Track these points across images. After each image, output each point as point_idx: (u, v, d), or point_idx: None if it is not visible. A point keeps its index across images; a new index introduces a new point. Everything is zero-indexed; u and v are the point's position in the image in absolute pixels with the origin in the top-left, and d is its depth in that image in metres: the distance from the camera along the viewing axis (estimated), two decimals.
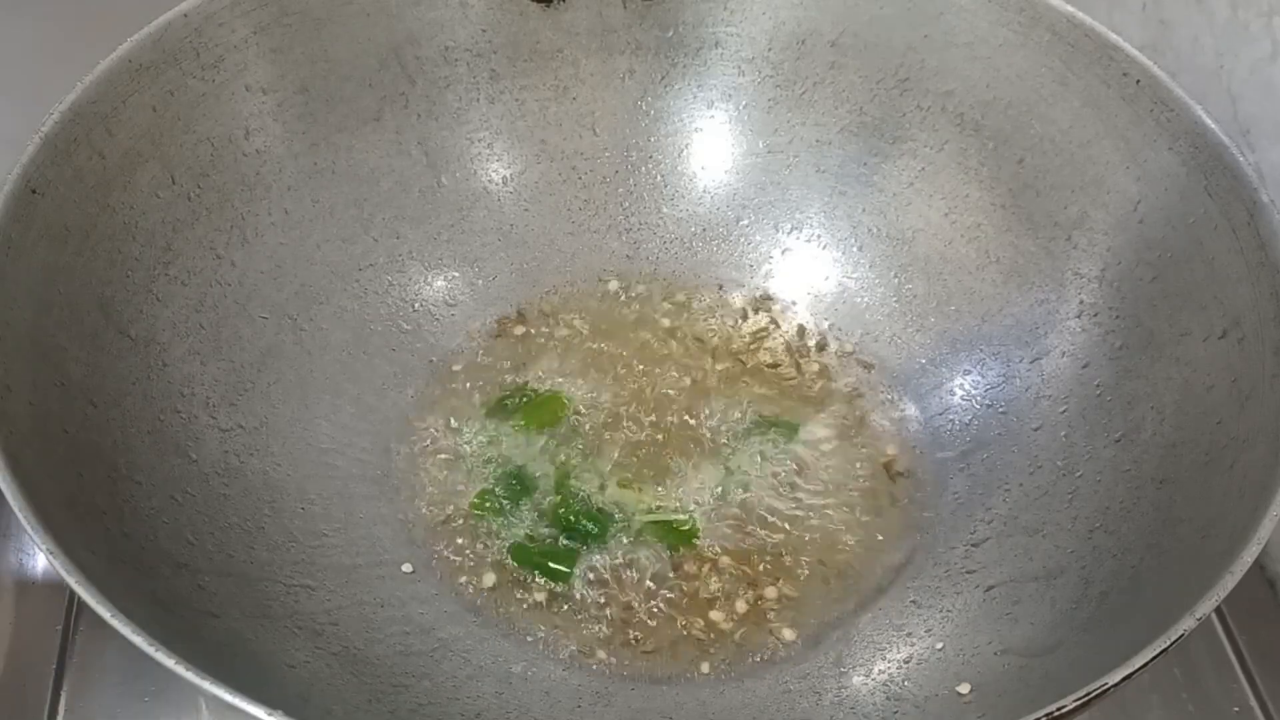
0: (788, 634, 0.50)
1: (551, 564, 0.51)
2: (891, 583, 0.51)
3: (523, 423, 0.56)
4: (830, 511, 0.54)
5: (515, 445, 0.55)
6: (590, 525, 0.52)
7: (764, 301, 0.61)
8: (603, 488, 0.54)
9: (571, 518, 0.52)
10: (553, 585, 0.51)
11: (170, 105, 0.50)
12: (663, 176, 0.62)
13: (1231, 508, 0.42)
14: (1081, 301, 0.53)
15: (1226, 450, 0.44)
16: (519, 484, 0.54)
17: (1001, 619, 0.47)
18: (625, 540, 0.52)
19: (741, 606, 0.51)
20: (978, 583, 0.50)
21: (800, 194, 0.61)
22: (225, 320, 0.52)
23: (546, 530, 0.52)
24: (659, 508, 0.53)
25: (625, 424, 0.56)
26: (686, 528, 0.52)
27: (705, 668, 0.49)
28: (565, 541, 0.52)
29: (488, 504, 0.53)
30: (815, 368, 0.59)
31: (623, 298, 0.61)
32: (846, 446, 0.56)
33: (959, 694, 0.45)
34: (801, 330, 0.60)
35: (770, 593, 0.51)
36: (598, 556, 0.52)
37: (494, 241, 0.60)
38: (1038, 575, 0.48)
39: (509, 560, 0.52)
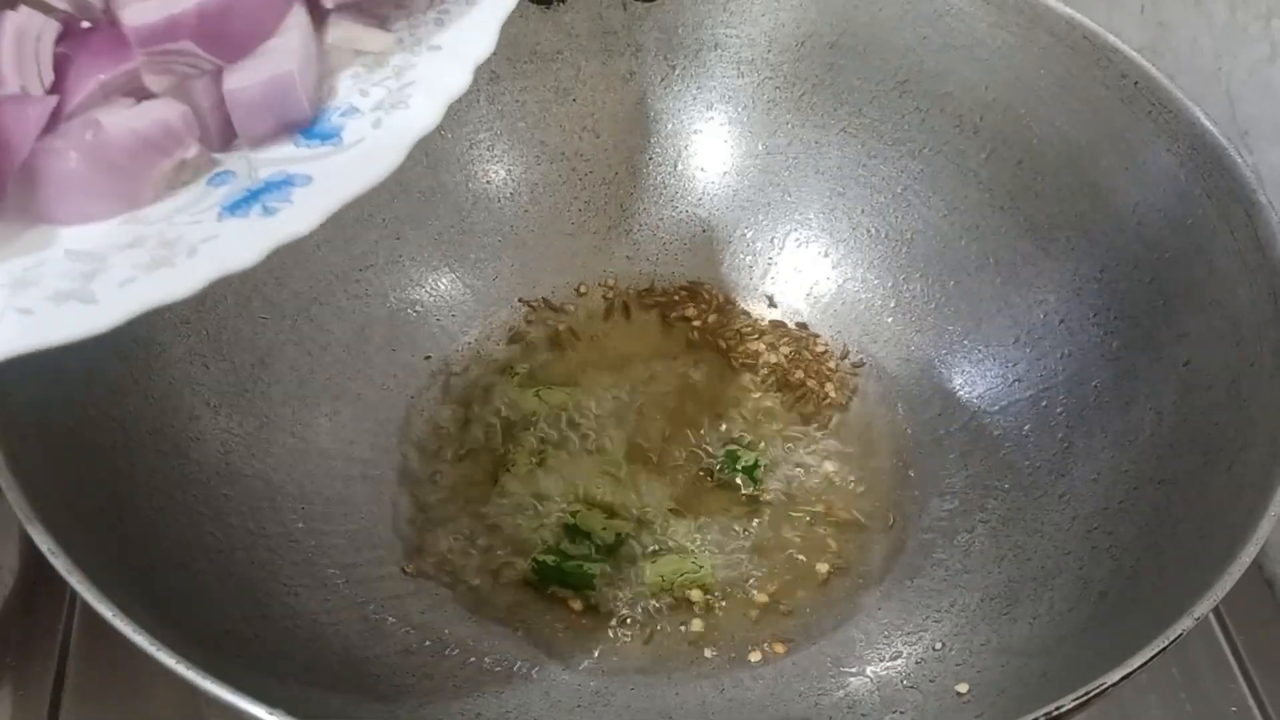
0: (786, 634, 0.50)
1: (572, 572, 0.51)
2: (890, 583, 0.51)
3: (536, 395, 0.56)
4: (827, 512, 0.54)
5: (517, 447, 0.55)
6: (597, 533, 0.52)
7: (763, 303, 0.61)
8: (605, 491, 0.54)
9: (581, 525, 0.52)
10: (547, 583, 0.51)
11: None
12: (662, 178, 0.62)
13: (1230, 508, 0.42)
14: (1080, 302, 0.53)
15: (1225, 450, 0.44)
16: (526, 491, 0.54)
17: (1000, 619, 0.48)
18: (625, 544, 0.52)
19: (740, 607, 0.51)
20: (976, 583, 0.50)
21: (800, 195, 0.61)
22: (225, 320, 0.52)
23: (559, 537, 0.52)
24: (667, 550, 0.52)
25: (622, 425, 0.56)
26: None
27: (705, 668, 0.49)
28: (573, 547, 0.52)
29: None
30: (814, 369, 0.59)
31: (622, 299, 0.61)
32: (844, 447, 0.56)
33: (958, 694, 0.45)
34: (801, 331, 0.60)
35: (770, 593, 0.51)
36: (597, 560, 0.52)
37: (494, 243, 0.60)
38: (1036, 575, 0.48)
39: (514, 562, 0.51)
